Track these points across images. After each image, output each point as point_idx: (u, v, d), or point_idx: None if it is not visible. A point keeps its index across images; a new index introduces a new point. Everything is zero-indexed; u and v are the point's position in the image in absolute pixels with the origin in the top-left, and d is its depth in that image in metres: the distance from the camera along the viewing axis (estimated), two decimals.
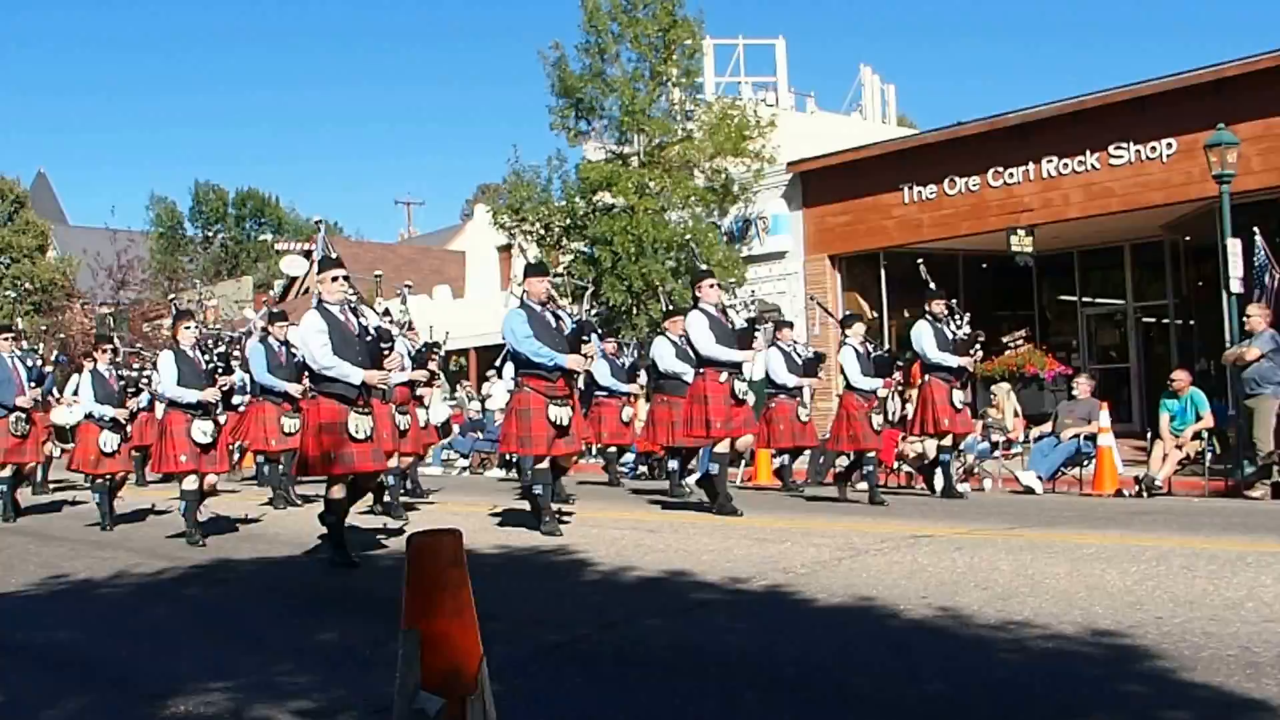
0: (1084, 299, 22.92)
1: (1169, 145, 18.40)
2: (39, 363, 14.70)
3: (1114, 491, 13.14)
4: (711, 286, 11.47)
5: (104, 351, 12.59)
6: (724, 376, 10.96)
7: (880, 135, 27.14)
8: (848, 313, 13.91)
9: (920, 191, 21.76)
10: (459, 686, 3.00)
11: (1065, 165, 19.70)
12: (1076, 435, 14.01)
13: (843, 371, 12.96)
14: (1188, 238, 20.12)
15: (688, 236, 21.88)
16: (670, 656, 5.52)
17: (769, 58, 30.70)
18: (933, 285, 13.35)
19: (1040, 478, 13.76)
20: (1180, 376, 13.86)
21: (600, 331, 12.67)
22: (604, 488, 15.72)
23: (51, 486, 17.89)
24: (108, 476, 12.22)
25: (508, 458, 20.31)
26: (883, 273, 22.90)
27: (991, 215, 20.55)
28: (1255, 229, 14.76)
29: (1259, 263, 14.71)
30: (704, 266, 11.95)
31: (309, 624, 6.63)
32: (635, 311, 22.61)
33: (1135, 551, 7.88)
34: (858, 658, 5.30)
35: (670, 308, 14.52)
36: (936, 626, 5.80)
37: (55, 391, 17.16)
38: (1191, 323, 21.16)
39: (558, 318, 10.22)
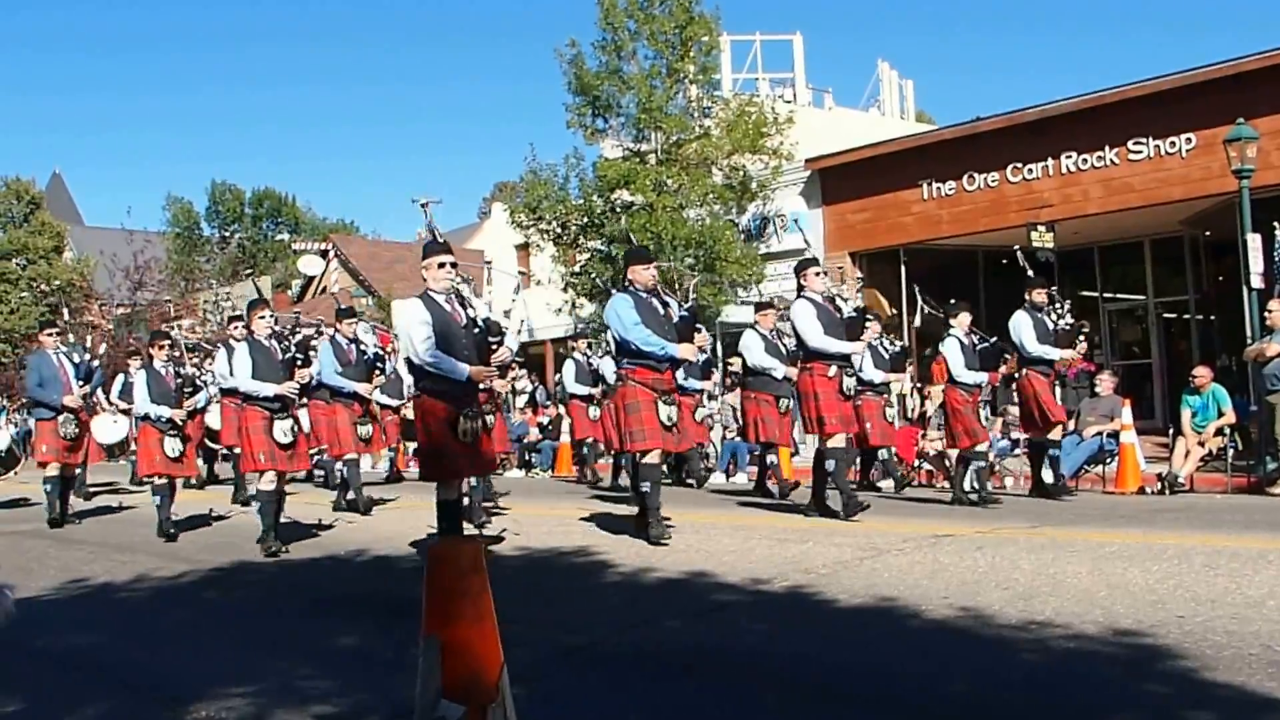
0: (1105, 295, 22.85)
1: (1188, 140, 18.36)
2: (86, 358, 13.89)
3: (1136, 489, 13.10)
4: (818, 274, 10.75)
5: (160, 347, 11.84)
6: (832, 370, 10.39)
7: (898, 131, 27.09)
8: (952, 301, 13.18)
9: (939, 188, 21.72)
10: (480, 694, 3.02)
11: (1084, 161, 19.66)
12: (1099, 433, 13.98)
13: (947, 364, 12.31)
14: (1208, 233, 20.06)
15: (715, 220, 21.80)
16: (691, 658, 5.54)
17: (786, 54, 30.67)
18: (1031, 273, 12.88)
19: (1063, 475, 13.72)
20: (1202, 373, 13.81)
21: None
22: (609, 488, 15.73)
23: (91, 490, 17.00)
24: (170, 480, 11.48)
25: (528, 458, 20.43)
26: (903, 270, 22.85)
27: (1011, 211, 20.50)
28: (1276, 224, 14.71)
29: (1279, 257, 14.66)
30: (812, 254, 11.18)
31: (331, 627, 6.65)
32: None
33: (1157, 550, 7.87)
34: (879, 659, 5.31)
35: (691, 305, 14.01)
36: (958, 627, 5.80)
37: (100, 393, 16.65)
38: (1212, 318, 21.09)
39: (665, 305, 9.59)
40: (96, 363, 14.64)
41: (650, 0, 22.69)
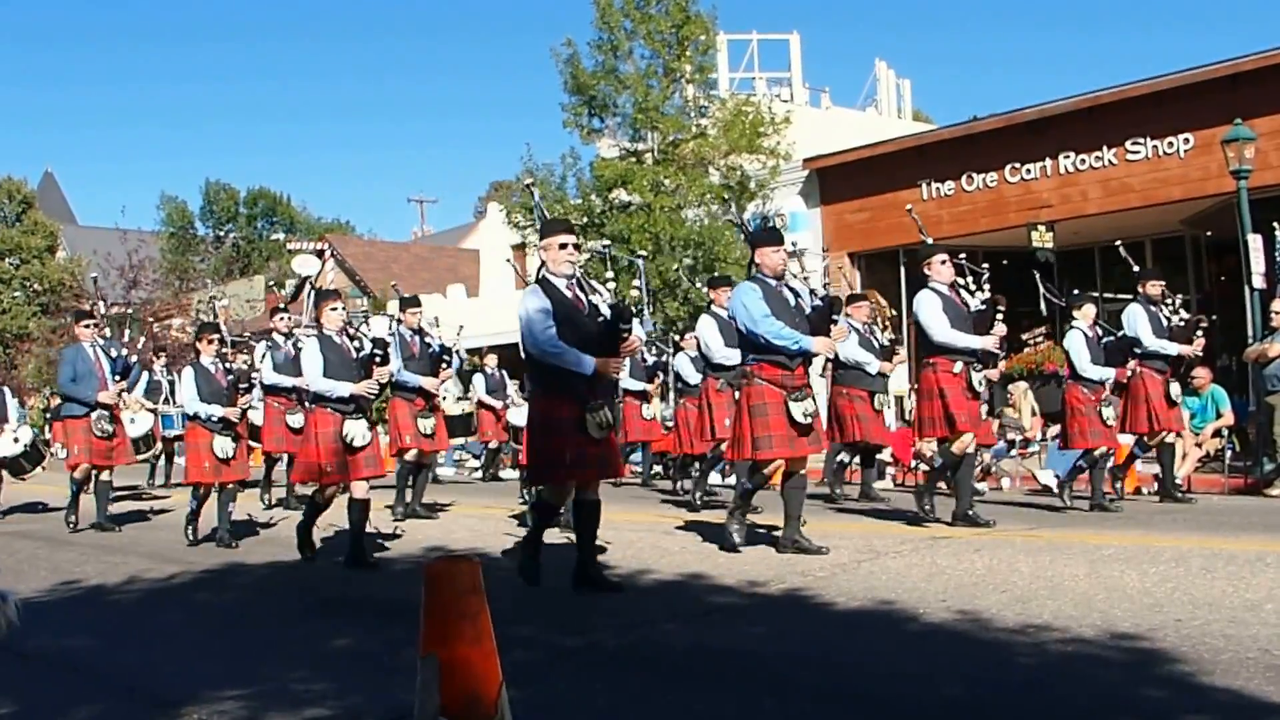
0: (1105, 295, 22.87)
1: (1186, 140, 18.38)
2: (124, 352, 12.90)
3: (1133, 490, 13.11)
4: (944, 263, 10.05)
5: (209, 342, 10.90)
6: (958, 366, 9.72)
7: (896, 131, 27.09)
8: (1075, 291, 12.69)
9: (938, 188, 21.75)
10: (478, 713, 3.02)
11: (1083, 161, 19.69)
12: None
13: (1069, 358, 11.49)
14: (1209, 233, 20.09)
15: (720, 220, 21.77)
16: (688, 661, 5.55)
17: (783, 53, 30.67)
18: (1136, 266, 12.48)
19: (1058, 477, 13.71)
20: (1201, 374, 13.82)
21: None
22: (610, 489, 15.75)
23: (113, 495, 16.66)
24: (229, 485, 10.71)
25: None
26: (902, 270, 22.87)
27: (1010, 211, 20.53)
28: (1276, 224, 14.74)
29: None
30: (930, 240, 10.54)
31: (325, 629, 6.64)
32: (653, 310, 22.61)
33: (1155, 552, 7.88)
34: (877, 662, 5.32)
35: (825, 294, 12.50)
36: (956, 630, 5.81)
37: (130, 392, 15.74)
38: (1213, 318, 21.11)
39: (796, 294, 8.68)
40: (135, 358, 13.96)
41: (646, 0, 22.71)
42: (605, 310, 7.46)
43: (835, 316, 8.83)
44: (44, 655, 6.20)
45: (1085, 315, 11.53)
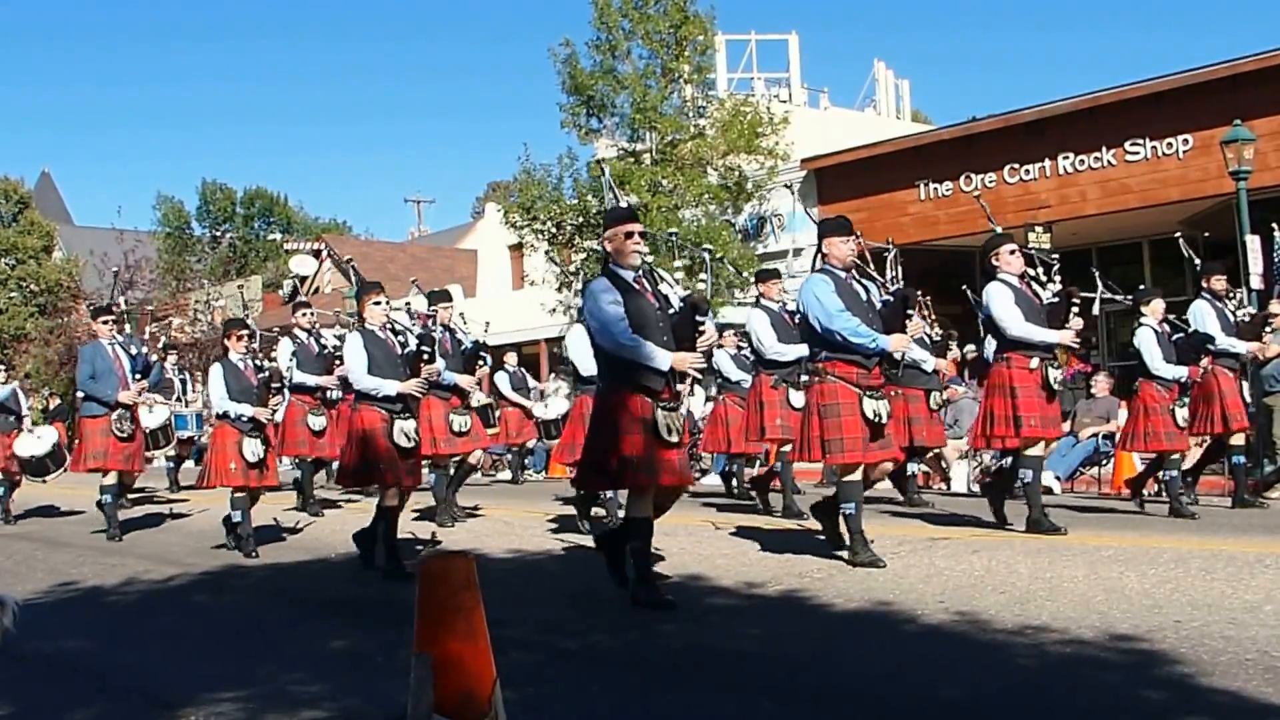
0: (1103, 296, 22.87)
1: (1185, 141, 18.40)
2: (144, 350, 12.33)
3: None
4: (1013, 253, 9.56)
5: (238, 338, 10.33)
6: (1035, 363, 9.19)
7: (894, 131, 27.12)
8: (1141, 287, 12.22)
9: (936, 188, 21.76)
10: (472, 710, 3.02)
11: (1081, 162, 19.70)
12: (1095, 434, 13.99)
13: (1139, 356, 10.98)
14: (1207, 234, 20.08)
15: (711, 227, 21.75)
16: (686, 662, 5.55)
17: (782, 54, 30.72)
18: (1198, 262, 12.05)
19: (1058, 478, 13.72)
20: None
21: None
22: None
23: (129, 498, 15.26)
24: (249, 491, 10.04)
25: (526, 464, 20.21)
26: (900, 270, 22.86)
27: (1008, 212, 20.50)
28: (1274, 225, 14.75)
29: (1279, 258, 14.71)
30: (999, 230, 10.03)
31: (321, 631, 6.66)
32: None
33: (1154, 553, 7.89)
34: (874, 663, 5.32)
35: (899, 288, 11.22)
36: (954, 631, 5.82)
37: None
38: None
39: (866, 288, 8.24)
40: (154, 356, 13.30)
41: (645, 0, 22.72)
42: (675, 301, 7.09)
43: (910, 311, 8.22)
44: (42, 657, 6.20)
45: (1154, 311, 11.04)
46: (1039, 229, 19.72)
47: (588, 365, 9.65)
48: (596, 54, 23.00)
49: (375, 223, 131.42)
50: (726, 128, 22.91)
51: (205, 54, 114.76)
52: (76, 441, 11.88)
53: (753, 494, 12.32)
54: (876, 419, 7.76)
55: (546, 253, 25.01)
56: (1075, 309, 9.45)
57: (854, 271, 8.20)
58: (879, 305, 8.19)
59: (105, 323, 11.77)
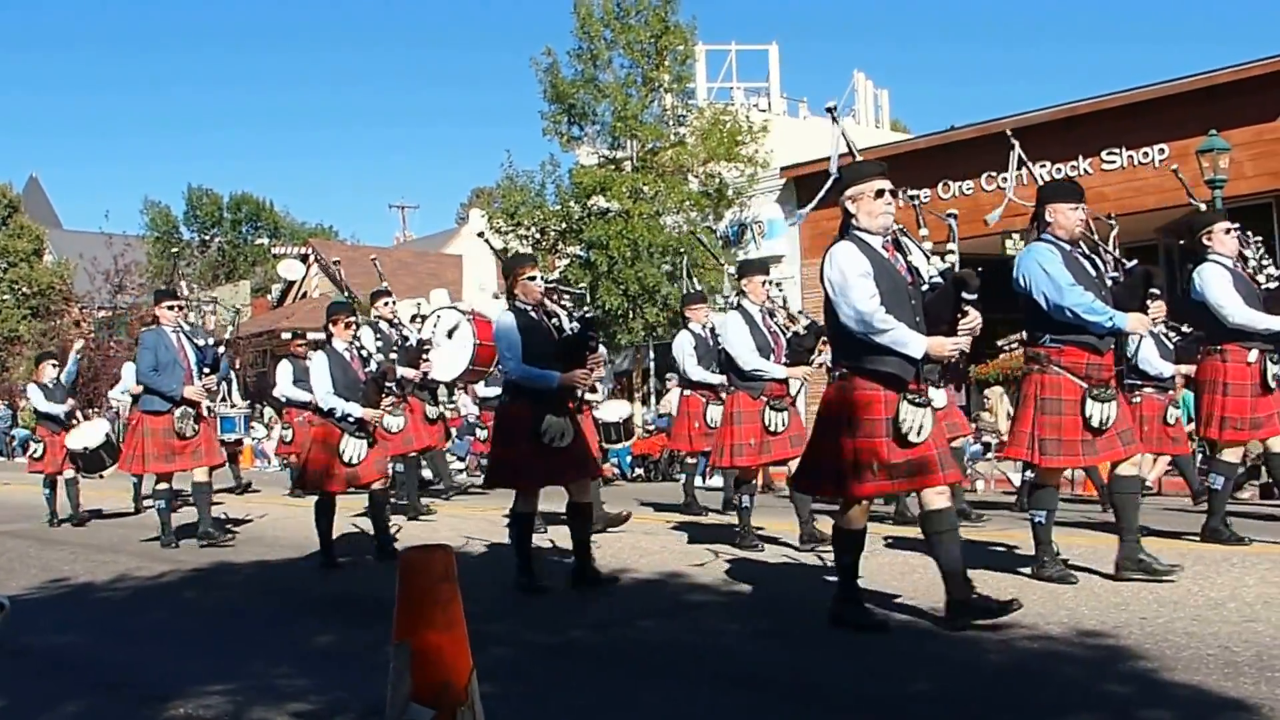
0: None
1: (1161, 151, 18.49)
2: (210, 341, 10.96)
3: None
4: (1228, 233, 8.57)
5: (344, 326, 9.25)
6: (1253, 355, 8.21)
7: (874, 140, 27.18)
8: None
9: (914, 196, 21.82)
10: (449, 698, 3.07)
11: (1059, 170, 19.77)
12: None
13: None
14: (1182, 242, 20.21)
15: (693, 230, 21.73)
16: (664, 658, 5.60)
17: (762, 63, 30.74)
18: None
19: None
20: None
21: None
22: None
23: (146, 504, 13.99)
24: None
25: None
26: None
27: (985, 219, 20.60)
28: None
29: (1252, 267, 14.79)
30: (1202, 206, 9.11)
31: (308, 627, 6.70)
32: (631, 315, 22.72)
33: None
34: (848, 658, 5.38)
35: (1135, 264, 9.08)
36: (925, 627, 5.89)
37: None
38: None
39: (1094, 263, 7.00)
40: (222, 348, 11.69)
41: (626, 10, 22.83)
42: (926, 273, 6.07)
43: (1154, 290, 7.30)
44: (33, 652, 6.24)
45: (1158, 310, 8.93)
46: (1016, 236, 19.80)
47: (746, 359, 8.90)
48: (578, 63, 23.17)
49: (361, 228, 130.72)
50: (706, 136, 23.03)
51: (191, 61, 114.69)
52: (140, 439, 10.40)
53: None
54: (1104, 424, 6.65)
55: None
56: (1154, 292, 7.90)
57: (1084, 244, 7.01)
58: (1109, 282, 6.98)
59: (170, 308, 10.44)
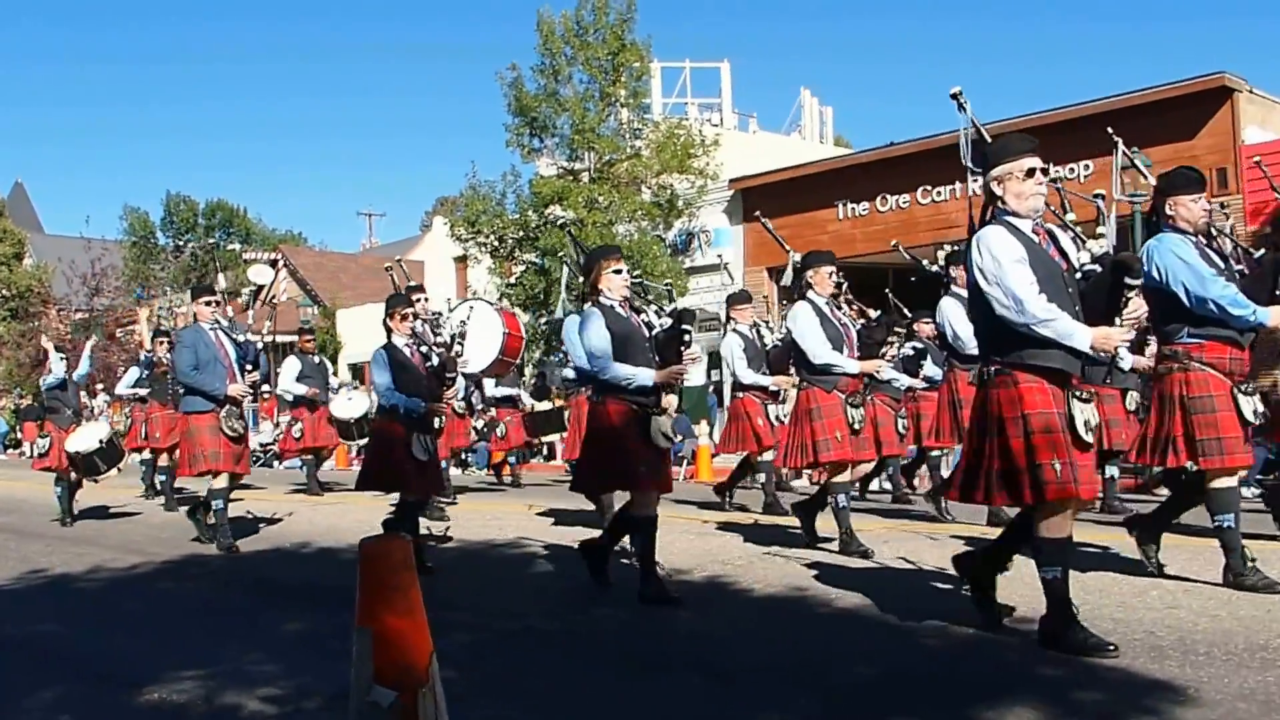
0: None
1: (1086, 167, 18.70)
2: (249, 337, 10.07)
3: None
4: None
5: (402, 318, 8.32)
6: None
7: (818, 155, 27.36)
8: None
9: (854, 208, 21.97)
10: (411, 680, 3.05)
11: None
12: None
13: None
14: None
15: (640, 245, 21.87)
16: (618, 643, 5.59)
17: (714, 80, 30.82)
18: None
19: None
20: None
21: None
22: (552, 487, 15.76)
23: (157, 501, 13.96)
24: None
25: (463, 456, 19.61)
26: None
27: (921, 231, 20.71)
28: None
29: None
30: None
31: (278, 615, 6.61)
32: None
33: None
34: (792, 644, 5.37)
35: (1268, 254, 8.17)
36: (866, 614, 5.89)
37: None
38: None
39: (1220, 254, 6.41)
40: (261, 344, 10.86)
41: (586, 28, 22.82)
42: (1078, 259, 5.24)
43: None
44: (10, 641, 6.14)
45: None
46: (949, 247, 19.91)
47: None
48: (540, 78, 23.13)
49: (329, 235, 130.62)
50: (660, 149, 23.05)
51: (172, 74, 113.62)
52: (189, 441, 9.52)
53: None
54: (1258, 417, 6.13)
55: (489, 267, 25.00)
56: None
57: (1202, 237, 6.35)
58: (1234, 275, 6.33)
59: (208, 304, 9.64)
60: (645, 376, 6.46)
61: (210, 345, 9.34)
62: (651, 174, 23.29)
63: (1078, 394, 4.90)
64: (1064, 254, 5.13)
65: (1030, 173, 5.11)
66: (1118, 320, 4.85)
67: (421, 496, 8.23)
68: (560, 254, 21.53)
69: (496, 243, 24.06)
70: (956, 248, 10.24)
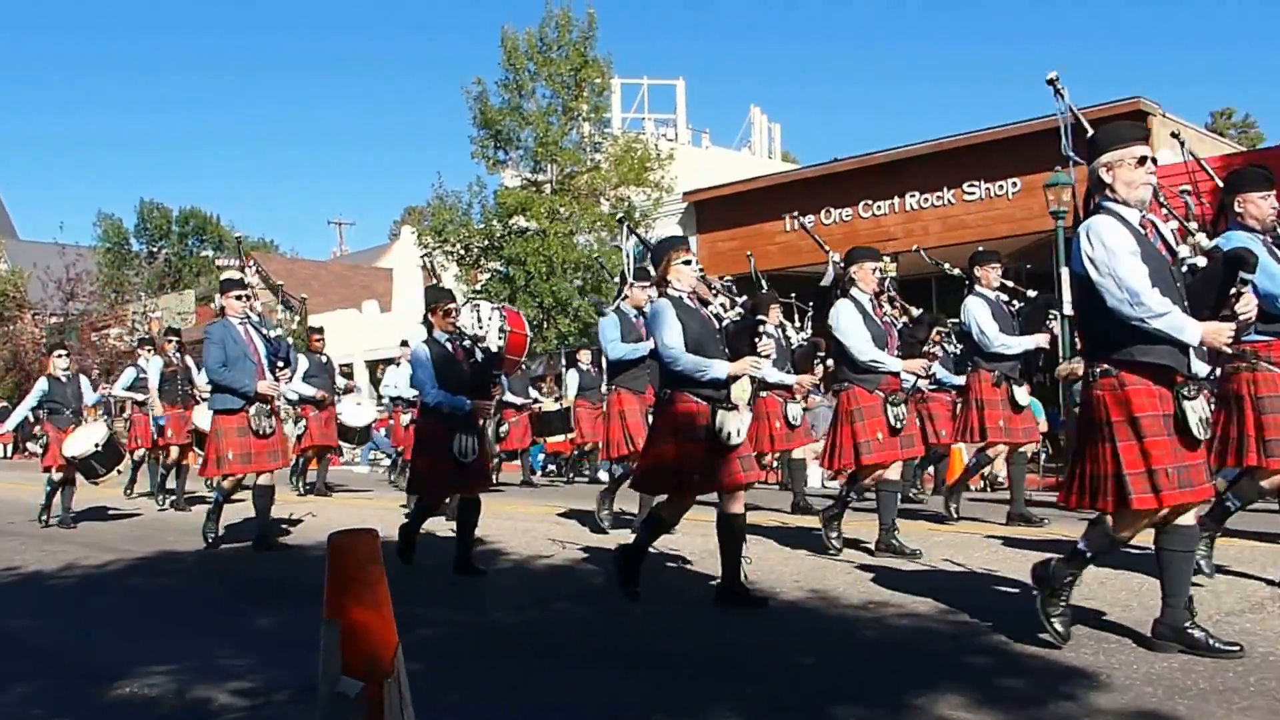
0: (938, 316, 23.38)
1: (1014, 184, 18.87)
2: (278, 332, 9.25)
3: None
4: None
5: (443, 315, 7.69)
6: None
7: (766, 169, 27.47)
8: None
9: (800, 221, 22.08)
10: (377, 671, 3.05)
11: (926, 200, 20.11)
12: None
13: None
14: (1029, 265, 20.65)
15: (596, 257, 21.91)
16: (576, 636, 5.61)
17: (670, 97, 30.88)
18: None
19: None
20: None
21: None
22: (513, 486, 15.79)
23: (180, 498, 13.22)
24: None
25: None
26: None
27: (862, 243, 20.81)
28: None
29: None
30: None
31: (249, 611, 6.58)
32: (546, 326, 22.69)
33: (979, 540, 8.10)
34: (738, 635, 5.41)
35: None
36: (807, 607, 5.96)
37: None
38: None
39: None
40: (291, 340, 9.99)
41: (549, 44, 22.83)
42: (1183, 250, 4.94)
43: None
44: None
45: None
46: (887, 259, 20.06)
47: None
48: (505, 92, 23.13)
49: (300, 242, 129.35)
50: (619, 162, 23.09)
51: (146, 83, 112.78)
52: (215, 441, 8.87)
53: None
54: None
55: (456, 275, 24.93)
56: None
57: (1268, 236, 6.00)
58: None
59: (238, 297, 8.94)
60: (719, 369, 6.04)
61: (240, 341, 8.72)
62: (610, 186, 23.31)
63: (1185, 391, 4.52)
64: (1169, 246, 4.76)
65: (1142, 160, 4.72)
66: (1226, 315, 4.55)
67: (469, 495, 7.73)
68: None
69: (463, 251, 24.01)
70: (981, 248, 10.13)
